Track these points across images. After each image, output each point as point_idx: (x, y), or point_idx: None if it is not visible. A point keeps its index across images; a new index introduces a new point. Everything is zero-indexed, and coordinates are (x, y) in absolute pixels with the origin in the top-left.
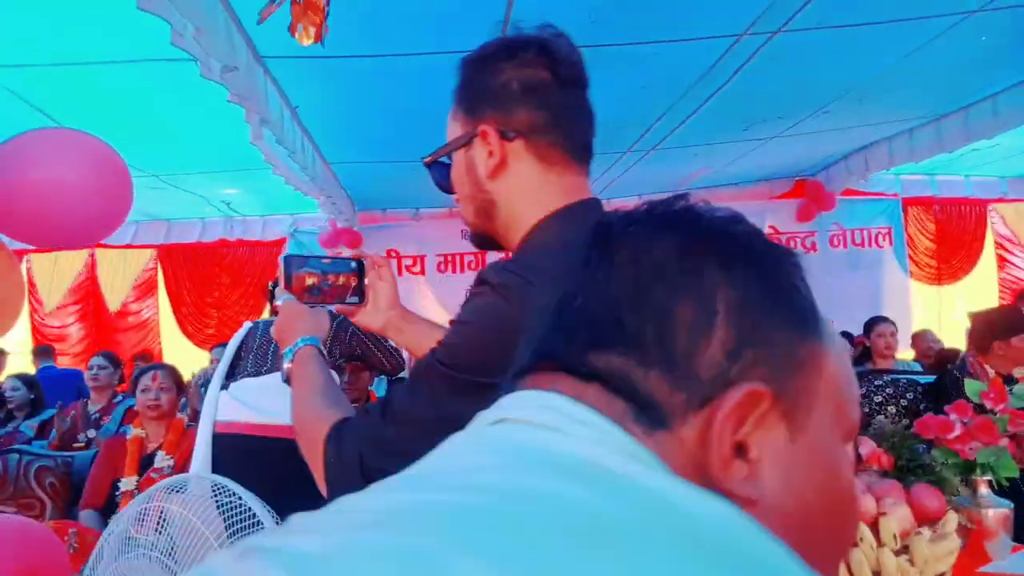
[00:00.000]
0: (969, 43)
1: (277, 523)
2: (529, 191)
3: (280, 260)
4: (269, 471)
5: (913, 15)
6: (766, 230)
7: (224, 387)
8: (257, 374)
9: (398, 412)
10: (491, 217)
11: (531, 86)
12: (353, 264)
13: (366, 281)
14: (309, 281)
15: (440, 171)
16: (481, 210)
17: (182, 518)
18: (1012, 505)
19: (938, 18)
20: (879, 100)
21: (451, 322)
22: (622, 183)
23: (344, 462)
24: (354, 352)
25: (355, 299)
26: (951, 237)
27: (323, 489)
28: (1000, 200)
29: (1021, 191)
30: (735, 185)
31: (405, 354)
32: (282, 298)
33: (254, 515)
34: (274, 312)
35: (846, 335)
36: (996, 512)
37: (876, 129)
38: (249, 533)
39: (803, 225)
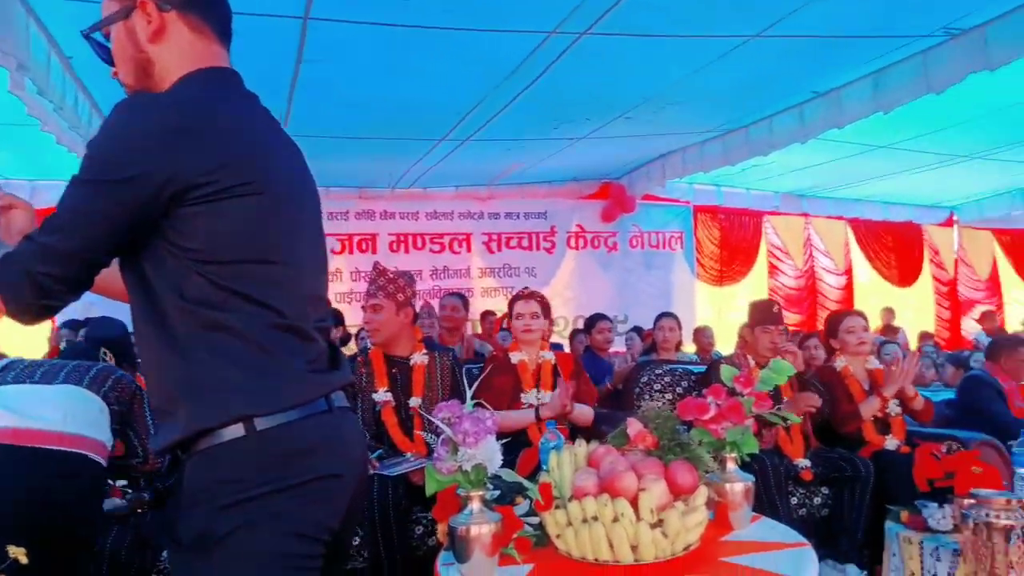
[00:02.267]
0: (749, 65)
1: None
2: (181, 53)
3: None
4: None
5: (702, 32)
6: (574, 228)
7: None
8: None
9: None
10: (149, 75)
11: None
12: None
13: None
14: None
15: (101, 48)
16: (140, 69)
17: None
18: (754, 479)
19: (724, 38)
20: (674, 111)
21: None
22: (439, 172)
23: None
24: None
25: None
26: (732, 243)
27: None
28: (774, 213)
29: (791, 206)
30: (547, 183)
31: None
32: None
33: None
34: None
35: (638, 329)
36: (740, 486)
37: (672, 139)
38: None
39: (607, 225)
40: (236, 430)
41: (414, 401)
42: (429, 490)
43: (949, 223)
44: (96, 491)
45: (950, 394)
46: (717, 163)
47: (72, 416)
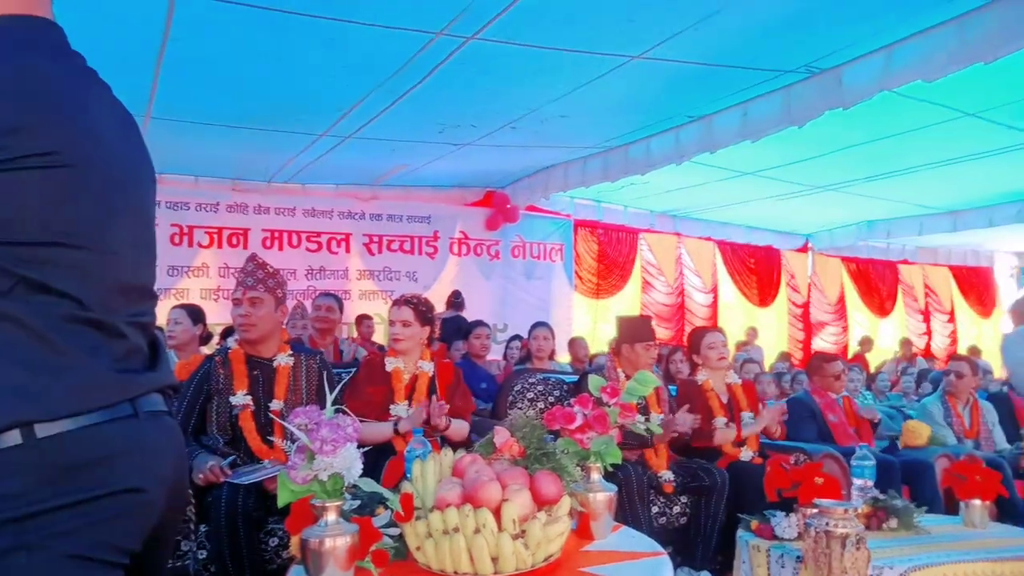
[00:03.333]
0: (631, 86)
1: None
2: None
3: None
4: None
5: (588, 49)
6: (457, 234)
7: None
8: None
9: None
10: None
11: None
12: None
13: None
14: None
15: None
16: None
17: None
18: (616, 489)
19: (609, 56)
20: (559, 124)
21: None
22: (319, 168)
23: None
24: None
25: None
26: (610, 258)
27: None
28: (649, 231)
29: (664, 225)
30: (431, 187)
31: None
32: None
33: None
34: None
35: (517, 337)
36: (603, 496)
37: (556, 152)
38: None
39: (490, 233)
40: (12, 437)
41: (276, 404)
42: (282, 500)
43: (804, 249)
44: None
45: None
46: (597, 179)
47: None
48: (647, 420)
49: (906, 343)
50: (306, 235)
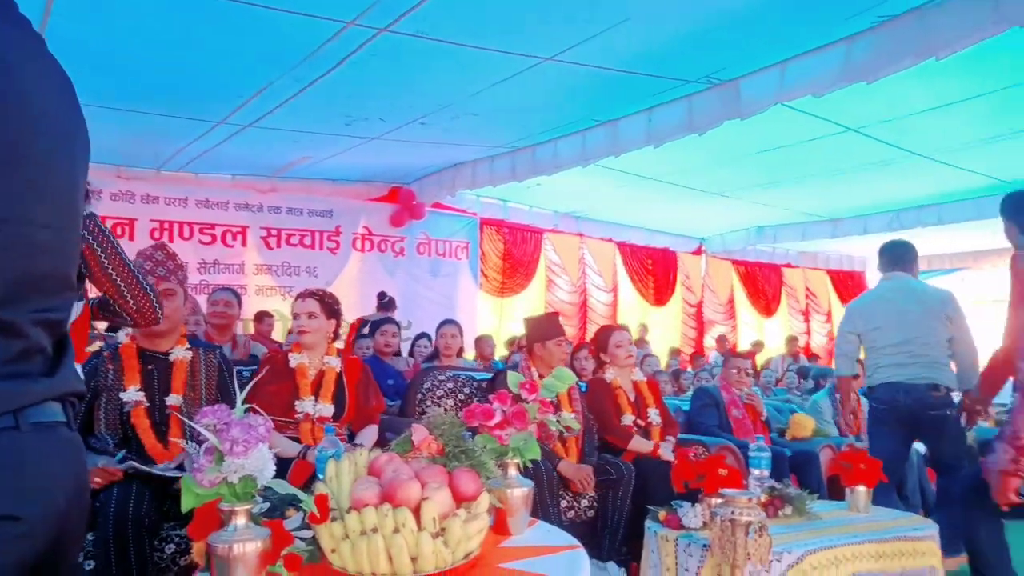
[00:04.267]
0: (541, 87)
1: None
2: None
3: None
4: None
5: (500, 48)
6: (361, 229)
7: None
8: None
9: None
10: None
11: None
12: None
13: None
14: None
15: None
16: None
17: None
18: (533, 484)
19: (520, 56)
20: (468, 122)
21: None
22: (215, 157)
23: None
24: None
25: None
26: (515, 257)
27: None
28: (553, 231)
29: (568, 226)
30: (334, 181)
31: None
32: None
33: None
34: None
35: (425, 335)
36: (520, 492)
37: (464, 150)
38: None
39: (395, 230)
40: None
41: (173, 399)
42: (186, 505)
43: (699, 252)
44: None
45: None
46: (505, 178)
47: None
48: (559, 417)
49: (792, 340)
50: (199, 227)
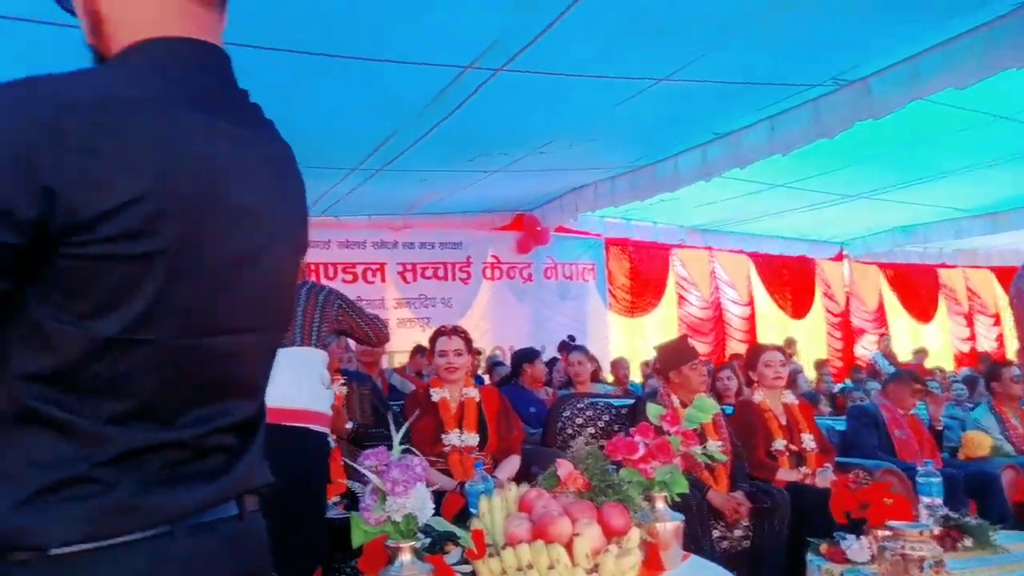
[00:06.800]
0: (656, 106)
1: None
2: (138, 8)
3: None
4: None
5: (613, 74)
6: (490, 259)
7: None
8: None
9: None
10: (98, 35)
11: None
12: None
13: None
14: None
15: None
16: (92, 27)
17: None
18: (684, 518)
19: (634, 80)
20: (586, 147)
21: None
22: (351, 200)
23: None
24: (341, 327)
25: None
26: (642, 275)
27: None
28: (680, 246)
29: (696, 240)
30: (462, 213)
31: None
32: None
33: None
34: None
35: (555, 360)
36: (671, 525)
37: (585, 174)
38: None
39: (522, 256)
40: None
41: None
42: (356, 541)
43: (839, 258)
44: None
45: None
46: (626, 198)
47: None
48: (704, 447)
49: (821, 364)
50: (342, 266)
